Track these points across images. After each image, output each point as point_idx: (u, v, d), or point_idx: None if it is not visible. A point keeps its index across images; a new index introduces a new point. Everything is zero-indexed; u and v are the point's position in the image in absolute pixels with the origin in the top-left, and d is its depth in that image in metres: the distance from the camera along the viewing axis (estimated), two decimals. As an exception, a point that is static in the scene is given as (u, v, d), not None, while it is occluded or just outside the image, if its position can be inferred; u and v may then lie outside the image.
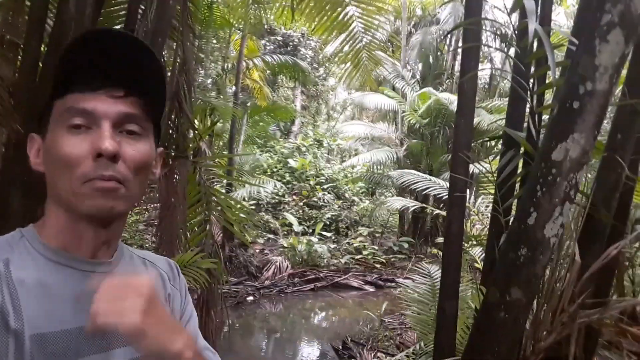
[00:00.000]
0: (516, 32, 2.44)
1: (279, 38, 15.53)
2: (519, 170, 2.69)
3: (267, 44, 15.13)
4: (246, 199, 10.43)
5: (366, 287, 9.41)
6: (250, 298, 8.08)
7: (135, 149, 0.66)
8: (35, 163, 0.69)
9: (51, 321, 0.61)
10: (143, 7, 2.76)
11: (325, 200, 12.85)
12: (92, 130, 0.64)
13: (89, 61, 0.63)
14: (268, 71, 12.23)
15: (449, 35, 12.44)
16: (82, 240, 0.67)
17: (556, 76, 1.88)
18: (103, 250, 0.69)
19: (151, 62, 0.67)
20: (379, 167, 12.66)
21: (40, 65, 2.14)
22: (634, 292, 3.19)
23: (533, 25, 1.58)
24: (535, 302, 1.89)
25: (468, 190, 3.54)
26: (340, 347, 5.85)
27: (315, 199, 12.82)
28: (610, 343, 2.37)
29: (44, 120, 0.68)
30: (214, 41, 10.08)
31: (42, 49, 2.19)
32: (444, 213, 9.04)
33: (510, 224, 2.64)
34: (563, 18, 14.36)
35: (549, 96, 3.16)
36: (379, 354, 5.33)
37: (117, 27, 3.05)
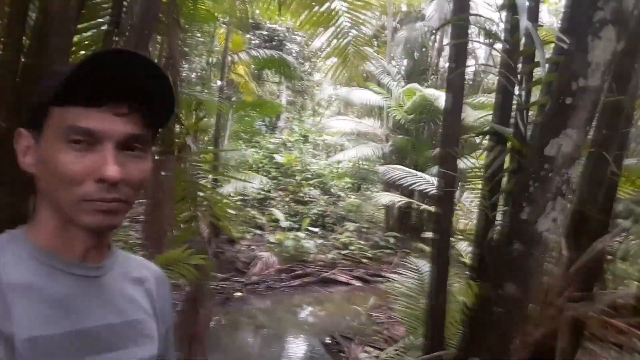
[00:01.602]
0: (505, 28, 2.46)
1: (265, 32, 15.40)
2: (506, 166, 2.72)
3: (253, 38, 15.00)
4: (232, 194, 10.37)
5: (353, 281, 9.45)
6: (238, 294, 8.05)
7: (138, 168, 0.65)
8: (25, 164, 0.66)
9: (42, 324, 0.61)
10: (128, 0, 2.70)
11: (312, 196, 12.85)
12: (94, 148, 0.62)
13: (95, 77, 0.60)
14: (253, 66, 12.15)
15: (433, 31, 12.51)
16: (74, 243, 0.66)
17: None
18: (93, 254, 0.68)
19: (158, 79, 0.64)
20: (364, 162, 12.71)
21: (23, 59, 2.09)
22: (616, 286, 3.27)
23: (524, 22, 1.59)
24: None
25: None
26: (329, 342, 5.87)
27: (301, 195, 12.82)
28: (594, 335, 2.42)
29: (36, 120, 0.65)
30: (199, 35, 9.96)
31: (24, 42, 2.14)
32: (429, 208, 9.12)
33: (498, 219, 2.68)
34: (546, 15, 14.55)
35: (535, 92, 3.20)
36: (367, 348, 5.37)
37: (101, 19, 2.99)
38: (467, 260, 4.99)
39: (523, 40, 2.39)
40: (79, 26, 2.52)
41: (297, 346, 6.58)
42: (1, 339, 0.57)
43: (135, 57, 0.62)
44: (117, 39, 2.46)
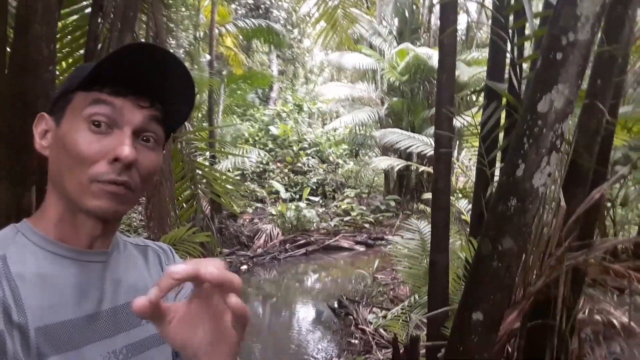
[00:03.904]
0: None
1: (250, 1, 15.06)
2: (502, 122, 2.73)
3: (238, 8, 14.68)
4: (231, 170, 10.39)
5: (357, 247, 9.61)
6: (244, 267, 8.20)
7: (149, 159, 0.67)
8: (40, 146, 0.68)
9: (54, 312, 0.62)
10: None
11: (310, 165, 12.89)
12: (112, 132, 0.64)
13: (124, 68, 0.63)
14: (241, 37, 11.93)
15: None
16: (80, 231, 0.67)
17: (535, 27, 1.87)
18: (100, 241, 0.69)
19: (182, 77, 0.66)
20: (361, 128, 12.68)
21: (9, 50, 2.06)
22: (615, 232, 3.33)
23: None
24: (523, 249, 1.96)
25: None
26: (336, 306, 6.02)
27: (299, 165, 12.86)
28: (594, 281, 2.48)
29: (58, 105, 0.67)
30: (183, 9, 9.74)
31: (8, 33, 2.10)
32: (428, 169, 9.17)
33: (496, 176, 2.71)
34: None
35: (528, 46, 3.17)
36: (374, 309, 5.51)
37: (84, 2, 2.92)
38: (468, 218, 5.07)
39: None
40: (62, 11, 2.47)
41: (305, 312, 6.75)
42: (15, 329, 0.58)
43: (168, 58, 0.64)
44: (101, 21, 2.42)
